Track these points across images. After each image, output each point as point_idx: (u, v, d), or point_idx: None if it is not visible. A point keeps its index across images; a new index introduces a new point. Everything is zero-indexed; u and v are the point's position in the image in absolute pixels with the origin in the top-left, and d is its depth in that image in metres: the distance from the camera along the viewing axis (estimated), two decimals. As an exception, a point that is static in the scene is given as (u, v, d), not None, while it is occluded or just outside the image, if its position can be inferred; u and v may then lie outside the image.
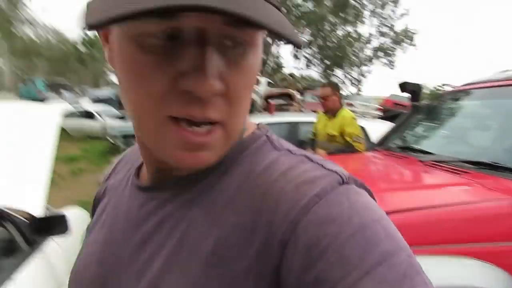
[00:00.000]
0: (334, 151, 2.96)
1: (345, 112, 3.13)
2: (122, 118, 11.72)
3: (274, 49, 28.59)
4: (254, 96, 14.63)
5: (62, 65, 51.87)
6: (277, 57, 31.49)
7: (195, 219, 0.37)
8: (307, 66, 31.36)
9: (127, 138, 8.66)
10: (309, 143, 3.46)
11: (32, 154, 1.98)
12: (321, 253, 0.30)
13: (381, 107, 13.66)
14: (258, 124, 0.44)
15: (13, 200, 1.62)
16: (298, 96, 15.80)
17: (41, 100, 16.88)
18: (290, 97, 11.74)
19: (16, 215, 1.71)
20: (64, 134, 12.08)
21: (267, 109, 11.22)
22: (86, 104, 14.75)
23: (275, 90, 14.33)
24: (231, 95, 0.33)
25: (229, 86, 0.32)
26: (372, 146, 2.83)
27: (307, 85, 24.09)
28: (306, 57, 30.60)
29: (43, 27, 48.06)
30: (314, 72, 33.49)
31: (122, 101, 0.37)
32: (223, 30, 0.30)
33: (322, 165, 0.36)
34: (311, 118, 5.17)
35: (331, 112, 3.15)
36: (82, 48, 38.37)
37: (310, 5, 27.88)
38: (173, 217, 0.39)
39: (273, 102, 12.38)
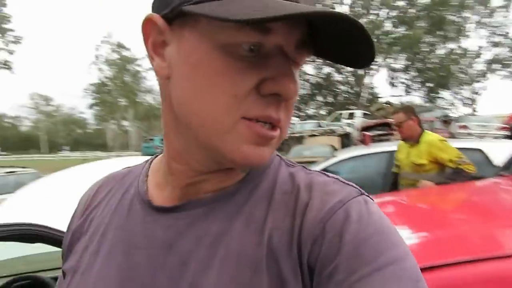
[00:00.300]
0: (444, 180, 2.46)
1: (430, 136, 2.70)
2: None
3: (367, 80, 27.82)
4: (349, 129, 14.24)
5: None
6: (372, 88, 30.46)
7: (237, 231, 0.40)
8: (407, 92, 29.41)
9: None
10: (392, 177, 3.00)
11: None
12: (341, 248, 0.35)
13: (506, 126, 11.63)
14: None
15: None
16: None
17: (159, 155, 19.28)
18: (389, 126, 10.98)
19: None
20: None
21: (363, 141, 10.67)
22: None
23: (372, 121, 13.70)
24: (290, 103, 0.39)
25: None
26: (497, 171, 2.32)
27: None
28: (404, 83, 28.83)
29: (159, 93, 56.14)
30: (416, 97, 31.16)
31: (178, 112, 0.39)
32: (292, 51, 0.37)
33: (338, 179, 0.42)
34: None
35: (410, 139, 2.73)
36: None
37: (402, 29, 26.67)
38: (211, 233, 0.40)
39: (370, 133, 11.75)
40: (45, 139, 62.85)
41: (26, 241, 1.54)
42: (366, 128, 11.91)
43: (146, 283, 0.40)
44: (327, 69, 30.02)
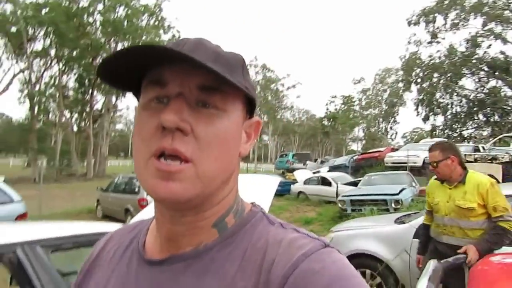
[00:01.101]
0: (488, 245, 2.06)
1: (477, 175, 2.31)
2: (354, 184, 11.89)
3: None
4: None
5: (311, 138, 60.55)
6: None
7: (209, 287, 0.43)
8: None
9: (353, 202, 8.64)
10: (423, 231, 2.60)
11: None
12: None
13: None
14: (252, 203, 0.52)
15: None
16: None
17: (291, 169, 19.99)
18: None
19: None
20: (305, 198, 13.65)
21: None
22: (324, 172, 16.12)
23: None
24: (199, 138, 0.42)
25: (195, 130, 0.42)
26: None
27: None
28: None
29: (297, 110, 58.61)
30: None
31: None
32: (197, 95, 0.43)
33: (307, 235, 0.45)
34: None
35: (449, 181, 2.34)
36: (326, 122, 43.46)
37: None
38: (187, 287, 0.43)
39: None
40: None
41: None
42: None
43: None
44: (493, 82, 25.08)
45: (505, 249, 2.17)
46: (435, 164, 2.35)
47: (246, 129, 0.50)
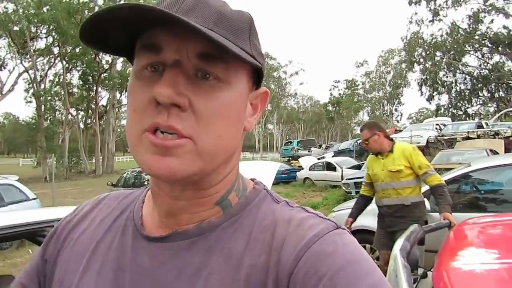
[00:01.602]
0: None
1: (402, 144, 2.86)
2: (358, 167, 12.06)
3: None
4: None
5: (316, 125, 60.52)
6: None
7: (216, 266, 0.41)
8: None
9: (357, 184, 8.82)
10: (362, 201, 3.08)
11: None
12: (318, 280, 0.36)
13: None
14: (253, 180, 0.50)
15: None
16: None
17: (296, 157, 20.18)
18: None
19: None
20: (311, 184, 13.86)
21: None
22: (329, 157, 16.28)
23: None
24: (198, 114, 0.38)
25: (194, 105, 0.38)
26: None
27: None
28: None
29: (301, 97, 58.44)
30: None
31: None
32: (196, 63, 0.38)
33: (317, 215, 0.43)
34: None
35: (382, 152, 2.81)
36: (330, 108, 43.39)
37: None
38: (191, 265, 0.41)
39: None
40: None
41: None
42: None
43: None
44: (496, 58, 24.79)
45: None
46: (366, 141, 2.82)
47: (252, 101, 0.46)
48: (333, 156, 16.76)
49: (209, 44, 0.36)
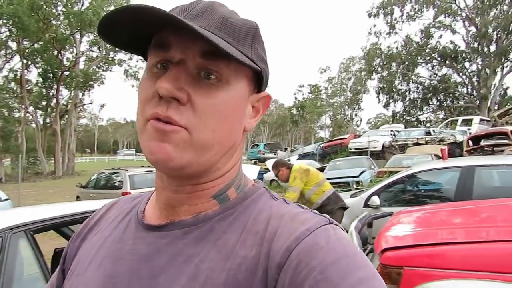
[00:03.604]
0: None
1: (294, 166, 3.86)
2: (321, 170, 12.96)
3: (497, 80, 24.08)
4: (461, 138, 12.83)
5: (280, 128, 61.90)
6: (505, 89, 26.11)
7: (208, 254, 0.42)
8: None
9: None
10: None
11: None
12: (309, 273, 0.36)
13: None
14: (254, 180, 0.53)
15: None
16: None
17: (262, 159, 20.91)
18: (506, 135, 9.64)
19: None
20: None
21: (478, 150, 9.62)
22: (294, 160, 17.14)
23: (485, 130, 12.01)
24: (196, 108, 0.41)
25: (193, 100, 0.41)
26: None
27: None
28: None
29: (267, 99, 58.87)
30: None
31: None
32: (199, 62, 0.41)
33: (311, 211, 0.45)
34: (490, 160, 4.45)
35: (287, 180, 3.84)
36: (294, 111, 44.69)
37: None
38: (184, 253, 0.44)
39: (486, 142, 10.49)
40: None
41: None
42: (477, 138, 10.70)
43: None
44: (444, 70, 27.18)
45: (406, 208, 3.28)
46: (276, 176, 3.92)
47: (253, 103, 0.49)
48: (297, 159, 17.65)
49: (211, 45, 0.39)
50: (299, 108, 43.63)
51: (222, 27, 0.42)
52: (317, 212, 0.44)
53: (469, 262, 1.65)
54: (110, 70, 30.11)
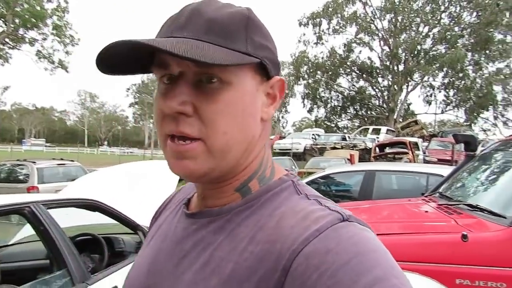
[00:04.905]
0: None
1: None
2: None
3: (402, 96, 27.50)
4: (370, 144, 14.55)
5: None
6: (408, 104, 29.91)
7: (221, 244, 0.45)
8: (442, 110, 28.67)
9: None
10: None
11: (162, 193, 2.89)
12: (319, 278, 0.35)
13: None
14: (288, 171, 0.52)
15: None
16: (422, 143, 14.81)
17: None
18: (404, 145, 11.23)
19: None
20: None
21: (375, 157, 11.03)
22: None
23: (388, 139, 13.94)
24: (203, 117, 0.42)
25: (199, 110, 0.42)
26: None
27: (440, 130, 21.91)
28: (443, 101, 28.17)
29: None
30: (452, 116, 30.27)
31: None
32: (197, 71, 0.43)
33: (328, 207, 0.43)
34: (388, 166, 5.22)
35: None
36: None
37: (441, 48, 26.18)
38: (204, 240, 0.47)
39: (390, 150, 12.02)
40: (87, 133, 67.28)
41: (89, 210, 2.36)
42: (383, 145, 12.31)
43: (162, 264, 0.50)
44: (361, 83, 30.03)
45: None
46: None
47: (268, 91, 0.48)
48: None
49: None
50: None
51: (209, 31, 0.43)
52: (335, 208, 0.43)
53: None
54: (18, 49, 26.54)
